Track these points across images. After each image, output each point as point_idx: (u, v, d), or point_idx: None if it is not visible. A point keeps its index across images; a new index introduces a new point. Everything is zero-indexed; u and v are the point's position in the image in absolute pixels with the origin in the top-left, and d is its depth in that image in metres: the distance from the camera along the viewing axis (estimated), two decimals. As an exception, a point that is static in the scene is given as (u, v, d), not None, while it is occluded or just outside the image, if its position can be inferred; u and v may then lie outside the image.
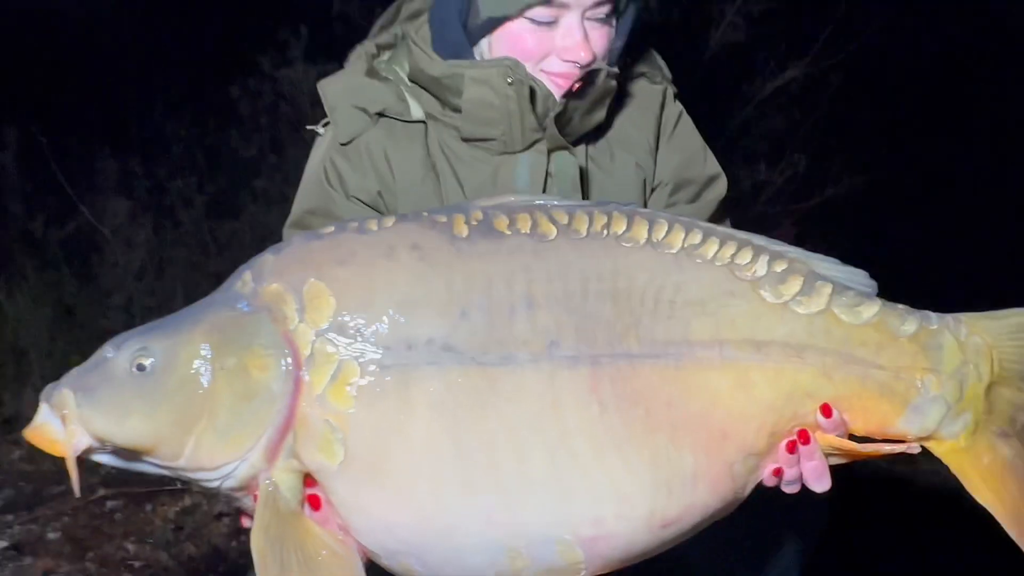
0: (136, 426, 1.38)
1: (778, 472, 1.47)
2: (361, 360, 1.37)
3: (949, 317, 1.49)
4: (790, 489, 1.49)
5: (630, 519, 1.38)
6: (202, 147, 5.60)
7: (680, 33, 5.26)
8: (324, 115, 1.93)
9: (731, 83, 5.46)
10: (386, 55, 1.97)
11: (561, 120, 1.84)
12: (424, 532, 1.37)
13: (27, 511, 3.54)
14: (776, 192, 5.57)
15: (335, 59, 2.03)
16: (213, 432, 1.38)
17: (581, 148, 1.92)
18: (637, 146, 1.98)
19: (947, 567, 3.10)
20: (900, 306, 1.49)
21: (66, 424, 1.36)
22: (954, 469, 1.49)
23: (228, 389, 1.38)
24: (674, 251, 1.46)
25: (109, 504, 3.60)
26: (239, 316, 1.41)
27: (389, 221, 1.47)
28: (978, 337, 1.48)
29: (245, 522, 1.46)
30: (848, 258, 1.53)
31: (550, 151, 1.87)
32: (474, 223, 1.45)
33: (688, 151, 2.04)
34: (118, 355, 1.40)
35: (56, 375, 1.42)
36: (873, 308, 1.47)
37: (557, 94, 1.81)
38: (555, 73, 1.81)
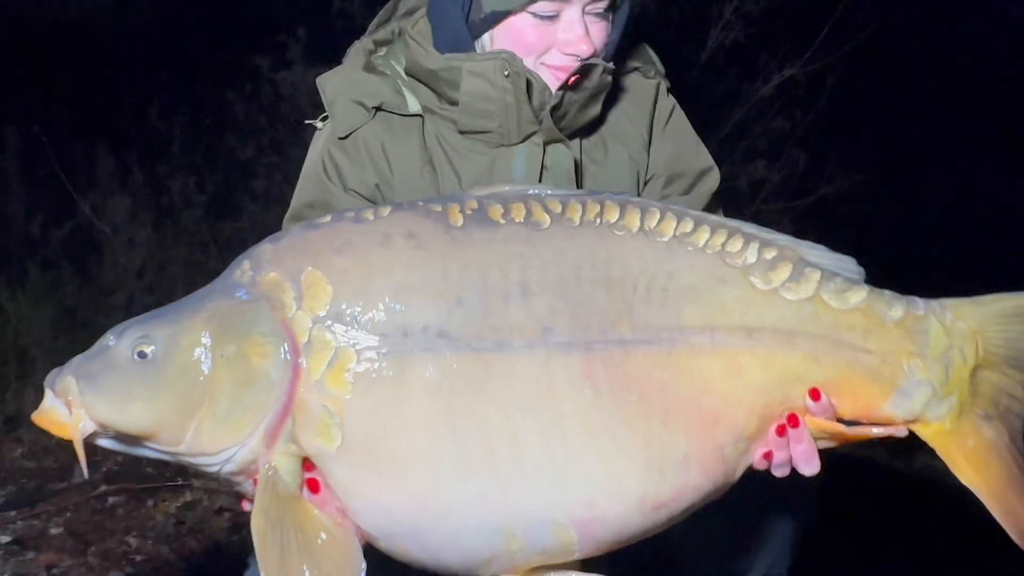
0: (138, 412, 1.40)
1: (768, 455, 1.50)
2: (358, 347, 1.40)
3: (935, 302, 1.52)
4: (780, 472, 1.51)
5: (623, 501, 1.41)
6: (202, 147, 5.62)
7: (679, 32, 5.28)
8: (323, 110, 1.96)
9: (729, 82, 5.48)
10: (383, 51, 2.00)
11: (557, 113, 1.86)
12: (420, 515, 1.39)
13: (29, 507, 3.55)
14: (774, 190, 5.59)
15: (335, 58, 2.05)
16: (213, 418, 1.40)
17: (576, 142, 1.95)
18: (631, 139, 2.01)
19: (945, 559, 3.11)
20: (887, 292, 1.51)
21: (71, 409, 1.39)
22: (940, 451, 1.51)
23: (228, 376, 1.40)
24: (666, 239, 1.49)
25: (111, 500, 3.61)
26: (238, 304, 1.43)
27: (385, 210, 1.49)
28: (963, 322, 1.51)
29: (245, 505, 1.48)
30: (846, 254, 1.55)
31: (546, 144, 1.89)
32: (469, 212, 1.47)
33: (681, 144, 2.06)
34: (119, 343, 1.43)
35: (58, 374, 1.44)
36: (861, 294, 1.49)
37: (554, 86, 1.84)
38: (555, 66, 1.84)
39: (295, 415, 1.40)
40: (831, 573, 2.86)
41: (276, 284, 1.43)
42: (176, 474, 3.80)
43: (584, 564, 1.49)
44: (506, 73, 1.81)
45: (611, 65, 1.89)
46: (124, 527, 3.42)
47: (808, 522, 1.93)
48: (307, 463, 1.43)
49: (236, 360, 1.41)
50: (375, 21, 2.04)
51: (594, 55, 1.83)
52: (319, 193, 1.92)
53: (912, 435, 1.54)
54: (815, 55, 5.41)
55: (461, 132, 1.90)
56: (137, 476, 3.78)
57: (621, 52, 1.99)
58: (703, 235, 1.50)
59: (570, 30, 1.82)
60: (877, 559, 3.18)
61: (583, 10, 1.81)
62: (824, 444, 1.51)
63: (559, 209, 1.49)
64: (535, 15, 1.81)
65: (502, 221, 1.47)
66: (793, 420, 1.47)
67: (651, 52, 2.10)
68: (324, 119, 1.97)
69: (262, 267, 1.45)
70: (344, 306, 1.41)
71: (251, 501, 1.43)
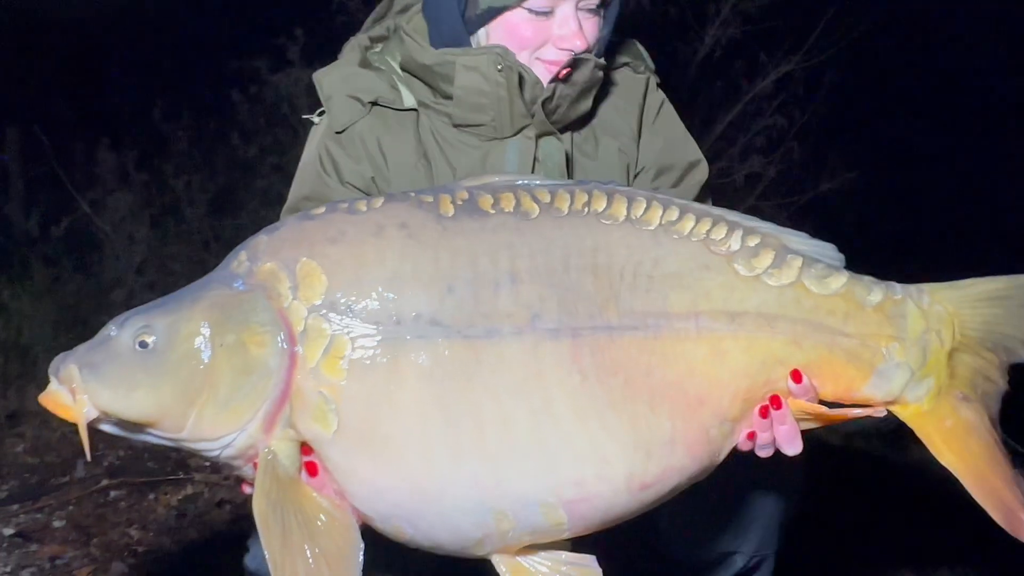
0: (140, 400, 1.44)
1: (752, 436, 1.54)
2: (352, 334, 1.43)
3: (912, 287, 1.56)
4: (764, 453, 1.55)
5: (610, 481, 1.44)
6: (202, 144, 5.65)
7: (676, 28, 5.31)
8: (320, 105, 1.99)
9: (727, 78, 5.50)
10: (379, 47, 2.03)
11: (549, 107, 1.90)
12: (414, 496, 1.43)
13: (32, 501, 3.55)
14: (770, 185, 5.62)
15: (334, 58, 2.08)
16: (214, 405, 1.44)
17: (567, 135, 1.98)
18: (620, 133, 2.04)
19: (935, 549, 3.13)
20: (866, 277, 1.55)
21: (74, 396, 1.42)
22: (918, 432, 1.55)
23: (227, 364, 1.44)
24: (652, 227, 1.52)
25: (112, 493, 3.61)
26: (236, 294, 1.47)
27: (378, 201, 1.52)
28: (940, 306, 1.55)
29: (246, 489, 1.52)
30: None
31: (538, 137, 1.93)
32: (459, 202, 1.51)
33: (670, 137, 2.10)
34: (121, 333, 1.46)
35: (57, 373, 1.47)
36: (841, 279, 1.53)
37: (546, 79, 1.88)
38: (549, 60, 1.87)
39: (292, 401, 1.44)
40: (818, 558, 2.89)
41: (272, 274, 1.46)
42: (177, 468, 3.83)
43: (574, 544, 1.53)
44: (499, 67, 1.85)
45: (602, 60, 1.92)
46: (126, 520, 3.43)
47: (795, 505, 1.97)
48: (305, 447, 1.46)
49: (235, 349, 1.44)
50: (371, 17, 2.07)
51: (587, 50, 1.87)
52: (316, 186, 1.95)
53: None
54: (812, 51, 5.44)
55: (455, 126, 1.93)
56: (138, 470, 3.79)
57: (611, 48, 2.03)
58: (688, 223, 1.53)
59: (564, 25, 1.85)
60: (864, 548, 3.19)
61: (576, 6, 1.85)
62: (806, 425, 1.55)
63: (547, 199, 1.52)
64: (530, 11, 1.84)
65: (492, 211, 1.50)
66: (776, 402, 1.51)
67: (640, 48, 2.13)
68: (321, 114, 2.00)
69: (259, 258, 1.49)
70: (339, 295, 1.44)
71: (251, 485, 1.46)
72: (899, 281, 1.58)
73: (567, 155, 1.96)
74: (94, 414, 1.43)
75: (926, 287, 1.56)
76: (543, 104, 1.88)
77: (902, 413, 1.55)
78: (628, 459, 1.44)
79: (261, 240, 1.51)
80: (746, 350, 1.50)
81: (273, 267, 1.47)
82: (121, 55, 6.36)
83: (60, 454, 4.01)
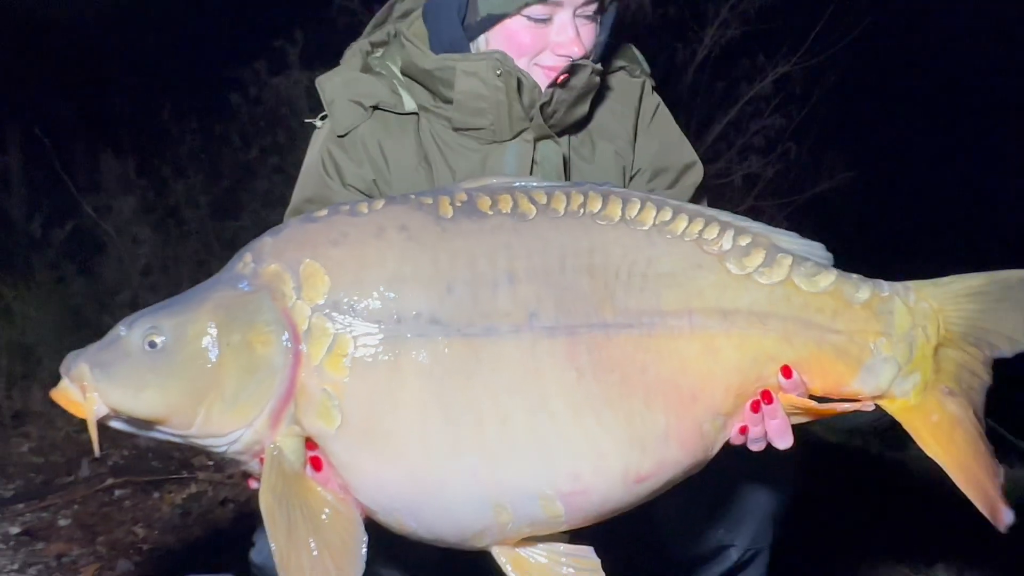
0: (150, 399, 1.47)
1: (744, 430, 1.57)
2: (354, 333, 1.46)
3: (899, 285, 1.60)
4: (756, 447, 1.59)
5: (606, 475, 1.47)
6: (205, 147, 5.67)
7: (675, 29, 5.33)
8: (322, 109, 2.02)
9: (725, 78, 5.53)
10: (379, 51, 2.06)
11: (547, 111, 1.93)
12: (415, 489, 1.46)
13: (37, 500, 3.59)
14: (768, 185, 5.64)
15: (335, 61, 2.12)
16: (221, 402, 1.47)
17: (565, 138, 2.02)
18: (617, 136, 2.08)
19: (936, 547, 3.16)
20: (855, 275, 1.59)
21: (85, 394, 1.46)
22: (905, 425, 1.59)
23: (234, 363, 1.47)
24: (646, 228, 1.56)
25: (117, 492, 3.66)
26: (242, 295, 1.50)
27: (379, 204, 1.56)
28: (926, 303, 1.58)
29: (252, 484, 1.56)
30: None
31: (536, 140, 1.96)
32: (458, 204, 1.54)
33: (665, 140, 2.13)
34: (131, 333, 1.49)
35: (63, 373, 1.51)
36: (829, 277, 1.57)
37: (544, 84, 1.91)
38: (547, 66, 1.91)
39: (297, 398, 1.47)
40: (814, 553, 2.92)
41: (277, 275, 1.50)
42: (180, 467, 3.87)
43: (572, 537, 1.56)
44: (498, 72, 1.88)
45: (599, 66, 1.96)
46: (131, 518, 3.46)
47: (789, 500, 2.00)
48: (309, 443, 1.49)
49: (241, 348, 1.47)
50: (371, 23, 2.10)
51: (584, 56, 1.91)
52: (319, 189, 1.98)
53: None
54: (811, 52, 5.46)
55: (455, 129, 1.96)
56: (142, 469, 3.84)
57: (608, 52, 2.06)
58: (681, 223, 1.57)
59: (562, 32, 1.88)
60: (860, 544, 3.21)
61: (574, 13, 1.88)
62: (797, 419, 1.58)
63: (544, 200, 1.56)
64: (529, 18, 1.87)
65: (490, 212, 1.53)
66: (767, 397, 1.55)
67: (636, 52, 2.17)
68: (323, 118, 2.03)
69: (263, 259, 1.52)
70: (341, 295, 1.47)
71: (258, 480, 1.50)
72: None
73: (564, 158, 2.00)
74: (104, 411, 1.46)
75: (912, 284, 1.60)
76: (541, 108, 1.92)
77: (890, 407, 1.59)
78: (624, 453, 1.48)
79: (266, 242, 1.55)
80: (738, 347, 1.53)
81: (277, 268, 1.50)
82: (122, 57, 6.38)
83: (65, 454, 4.04)
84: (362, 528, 1.48)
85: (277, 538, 1.43)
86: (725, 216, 1.60)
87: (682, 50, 5.37)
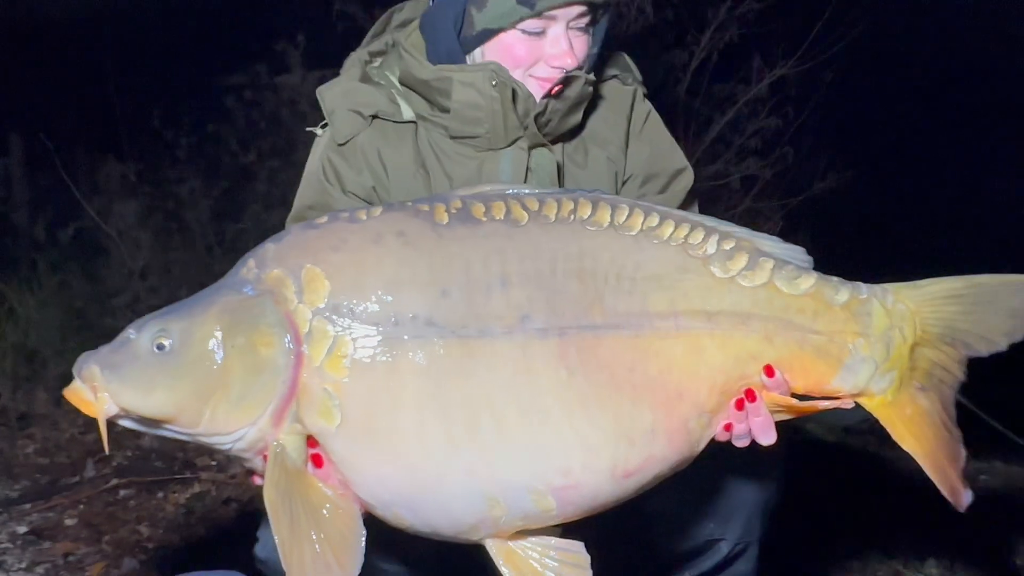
0: (159, 399, 1.52)
1: (729, 427, 1.62)
2: (354, 335, 1.51)
3: (877, 287, 1.65)
4: (740, 443, 1.64)
5: (596, 470, 1.53)
6: (205, 151, 5.71)
7: (672, 32, 5.36)
8: (322, 118, 2.07)
9: (722, 80, 5.56)
10: (378, 61, 2.11)
11: (541, 120, 1.98)
12: (413, 484, 1.51)
13: (44, 500, 3.63)
14: (765, 187, 5.67)
15: (335, 63, 2.17)
16: (227, 402, 1.52)
17: (559, 146, 2.07)
18: (609, 143, 2.13)
19: (927, 543, 3.18)
20: (834, 278, 1.65)
21: (96, 394, 1.51)
22: (882, 420, 1.65)
23: (239, 364, 1.53)
24: (634, 233, 1.61)
25: (122, 492, 3.69)
26: (246, 299, 1.55)
27: (377, 211, 1.61)
28: (903, 304, 1.64)
29: (256, 480, 1.61)
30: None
31: (530, 148, 2.01)
32: (453, 211, 1.59)
33: (656, 146, 2.18)
34: (140, 336, 1.54)
35: (67, 374, 1.56)
36: (810, 280, 1.63)
37: (539, 95, 1.96)
38: (542, 77, 1.96)
39: (299, 397, 1.52)
40: (805, 547, 2.96)
41: (279, 280, 1.55)
42: (184, 467, 3.91)
43: (564, 531, 1.61)
44: (493, 83, 1.93)
45: (592, 77, 2.01)
46: (136, 517, 3.50)
47: (777, 494, 2.06)
48: (311, 440, 1.55)
49: (246, 350, 1.52)
50: (370, 33, 2.15)
51: (578, 67, 1.95)
52: (319, 196, 2.03)
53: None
54: (809, 53, 5.49)
55: (452, 137, 2.01)
56: (147, 470, 3.87)
57: (600, 60, 2.11)
58: (668, 229, 1.62)
59: (556, 45, 1.93)
60: (851, 538, 3.23)
61: (567, 26, 1.93)
62: (780, 417, 1.64)
63: (536, 207, 1.61)
64: (524, 31, 1.92)
65: (484, 219, 1.58)
66: (750, 395, 1.60)
67: (628, 60, 2.22)
68: (324, 126, 2.08)
69: (266, 265, 1.57)
70: (341, 299, 1.53)
71: (261, 476, 1.56)
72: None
73: (558, 165, 2.05)
74: (114, 411, 1.51)
75: (890, 287, 1.65)
76: (535, 118, 1.97)
77: (868, 404, 1.65)
78: (612, 449, 1.53)
79: (268, 248, 1.60)
80: (722, 347, 1.58)
81: (280, 273, 1.55)
82: (122, 60, 6.41)
83: (70, 455, 4.08)
84: (361, 522, 1.53)
85: (280, 531, 1.48)
86: (710, 221, 1.65)
87: (680, 52, 5.41)
